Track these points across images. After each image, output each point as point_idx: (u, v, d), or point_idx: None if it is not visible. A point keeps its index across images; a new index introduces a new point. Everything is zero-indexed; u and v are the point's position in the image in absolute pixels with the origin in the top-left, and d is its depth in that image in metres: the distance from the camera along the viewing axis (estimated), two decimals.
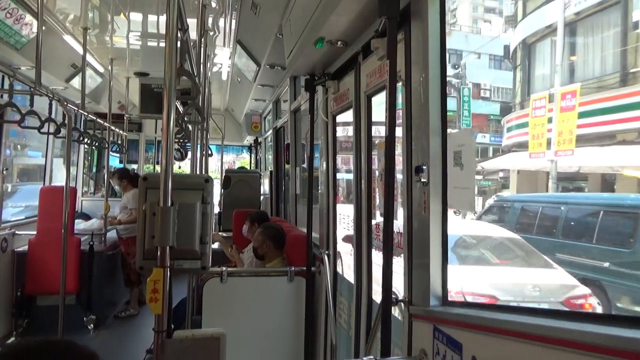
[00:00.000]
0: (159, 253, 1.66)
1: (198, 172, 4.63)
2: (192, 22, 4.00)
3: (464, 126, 18.67)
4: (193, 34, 3.89)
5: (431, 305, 1.90)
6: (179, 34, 2.67)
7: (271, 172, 7.14)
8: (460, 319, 1.71)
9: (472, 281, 5.33)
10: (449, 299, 1.93)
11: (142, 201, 1.80)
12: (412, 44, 2.10)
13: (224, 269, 3.63)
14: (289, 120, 5.37)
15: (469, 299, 5.13)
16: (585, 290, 5.82)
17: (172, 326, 1.76)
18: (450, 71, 19.06)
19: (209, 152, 6.88)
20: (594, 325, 1.27)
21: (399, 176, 2.25)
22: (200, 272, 2.41)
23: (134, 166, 9.55)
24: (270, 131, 7.31)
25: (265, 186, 7.75)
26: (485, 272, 5.80)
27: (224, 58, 6.33)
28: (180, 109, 3.14)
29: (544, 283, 5.78)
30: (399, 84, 2.20)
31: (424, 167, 1.93)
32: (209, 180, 1.85)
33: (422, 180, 1.94)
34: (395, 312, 2.21)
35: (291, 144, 5.35)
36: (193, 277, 3.38)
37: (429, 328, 1.87)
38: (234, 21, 4.87)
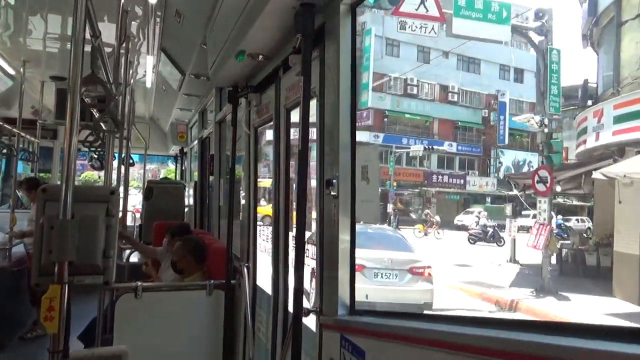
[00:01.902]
0: (56, 268, 1.59)
1: (115, 183, 4.45)
2: (112, 27, 3.88)
3: (551, 110, 13.31)
4: (112, 40, 3.76)
5: (339, 314, 1.96)
6: (91, 40, 2.58)
7: (196, 183, 6.99)
8: (364, 327, 1.77)
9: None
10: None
11: (40, 214, 1.71)
12: (325, 62, 2.18)
13: (139, 283, 3.49)
14: (214, 131, 5.31)
15: None
16: (426, 263, 9.31)
17: (69, 346, 1.68)
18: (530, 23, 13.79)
19: (130, 161, 6.63)
20: (492, 330, 1.36)
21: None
22: (104, 287, 2.32)
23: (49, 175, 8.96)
24: (196, 141, 7.17)
25: (190, 197, 7.56)
26: (363, 252, 8.75)
27: (148, 66, 6.15)
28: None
29: (396, 258, 9.13)
30: (314, 100, 2.27)
31: (334, 181, 2.00)
32: (114, 192, 1.80)
33: (332, 193, 2.00)
34: (312, 322, 2.25)
35: (215, 155, 5.28)
36: (104, 293, 3.22)
37: (337, 337, 1.92)
38: (157, 28, 4.76)
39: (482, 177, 43.33)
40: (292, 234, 2.84)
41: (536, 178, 12.45)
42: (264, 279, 3.39)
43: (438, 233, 27.56)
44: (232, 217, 3.67)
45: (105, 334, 3.53)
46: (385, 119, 39.07)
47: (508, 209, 18.59)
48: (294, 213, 2.35)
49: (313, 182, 2.33)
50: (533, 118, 13.58)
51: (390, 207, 34.21)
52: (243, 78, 3.49)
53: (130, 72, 5.65)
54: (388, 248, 9.59)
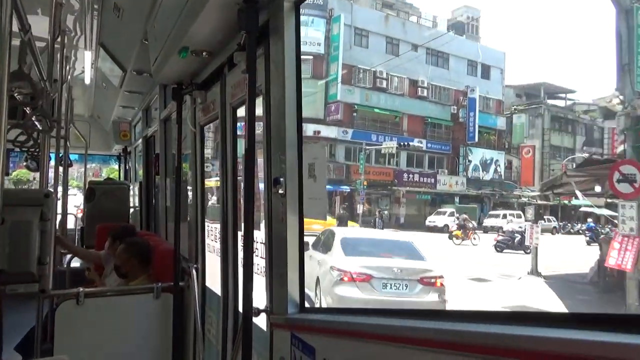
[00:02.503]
0: None
1: (52, 184, 4.23)
2: (45, 20, 3.67)
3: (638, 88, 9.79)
4: (46, 34, 3.56)
5: (289, 313, 1.96)
6: (20, 34, 2.43)
7: (141, 183, 6.76)
8: (314, 324, 1.78)
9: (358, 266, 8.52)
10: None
11: None
12: (271, 59, 2.16)
13: (81, 289, 3.33)
14: (159, 130, 5.15)
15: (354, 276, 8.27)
16: (438, 273, 8.71)
17: (2, 358, 1.58)
18: None
19: (69, 162, 6.32)
20: (435, 322, 1.41)
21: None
22: (41, 295, 2.20)
23: None
24: (141, 140, 6.92)
25: (135, 198, 7.31)
26: (370, 260, 8.70)
27: (86, 61, 5.87)
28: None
29: (406, 267, 8.62)
30: (260, 98, 2.25)
31: (281, 179, 1.99)
32: (49, 195, 1.70)
33: (280, 191, 1.99)
34: (263, 321, 2.24)
35: (161, 154, 5.12)
36: (43, 300, 3.05)
37: (287, 335, 1.92)
38: (95, 23, 4.55)
39: (451, 175, 41.49)
40: (241, 233, 2.81)
41: (616, 176, 9.38)
42: (214, 280, 3.33)
43: (474, 239, 25.74)
44: (179, 217, 3.57)
45: (45, 343, 3.36)
46: (355, 114, 36.96)
47: (530, 212, 16.86)
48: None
49: (261, 181, 2.31)
50: (617, 97, 10.81)
51: (359, 208, 33.00)
52: (187, 75, 3.40)
53: (67, 68, 5.36)
54: (397, 256, 9.05)
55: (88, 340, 3.33)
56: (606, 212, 19.00)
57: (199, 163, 3.46)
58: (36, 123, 3.81)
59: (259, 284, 2.22)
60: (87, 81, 6.62)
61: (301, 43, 2.11)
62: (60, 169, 5.49)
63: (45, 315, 3.50)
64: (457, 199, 41.37)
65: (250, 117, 1.99)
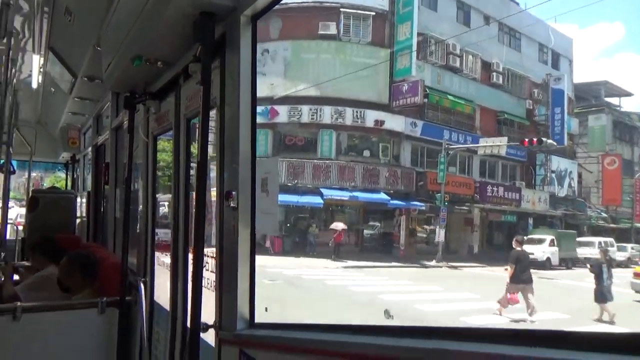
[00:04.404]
0: None
1: None
2: None
3: None
4: None
5: (238, 328, 1.93)
6: None
7: (89, 192, 6.51)
8: (263, 340, 1.77)
9: None
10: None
11: None
12: (226, 72, 2.16)
13: (18, 304, 3.15)
14: (110, 138, 4.99)
15: None
16: None
17: None
18: None
19: (11, 168, 6.02)
20: (383, 338, 1.42)
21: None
22: None
23: None
24: (90, 148, 6.68)
25: (82, 208, 7.01)
26: None
27: (34, 65, 5.64)
28: None
29: None
30: (214, 110, 2.23)
31: (234, 193, 1.97)
32: None
33: (232, 205, 1.98)
34: (212, 337, 2.19)
35: (111, 164, 4.96)
36: None
37: (236, 352, 1.89)
38: (45, 26, 4.39)
39: (531, 189, 31.19)
40: (191, 247, 2.76)
41: None
42: (163, 295, 3.24)
43: None
44: (128, 229, 3.46)
45: None
46: (425, 100, 25.94)
47: None
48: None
49: (213, 194, 2.28)
50: None
51: (439, 234, 24.02)
52: (141, 83, 3.33)
53: (13, 70, 5.14)
54: None
55: (25, 358, 3.15)
56: None
57: (151, 173, 3.38)
58: None
59: (210, 299, 2.18)
60: (35, 85, 6.34)
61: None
62: (1, 176, 5.22)
63: None
64: (530, 221, 31.09)
65: (204, 129, 1.97)
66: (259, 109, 21.26)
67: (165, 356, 2.96)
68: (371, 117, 25.02)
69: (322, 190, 24.17)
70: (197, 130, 2.03)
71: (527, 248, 15.32)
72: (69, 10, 3.65)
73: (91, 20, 3.56)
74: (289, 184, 23.58)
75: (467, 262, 24.72)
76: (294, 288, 14.09)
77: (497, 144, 25.05)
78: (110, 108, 4.95)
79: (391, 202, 25.05)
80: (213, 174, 2.25)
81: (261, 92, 23.68)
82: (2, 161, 4.71)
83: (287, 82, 25.04)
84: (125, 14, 2.77)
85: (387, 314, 8.57)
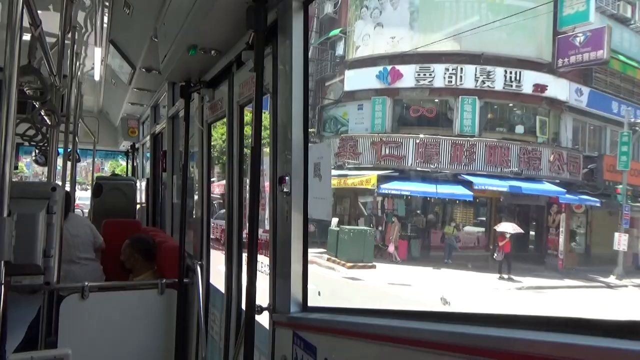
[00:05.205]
0: None
1: (60, 179, 4.26)
2: (56, 16, 3.70)
3: None
4: (57, 29, 3.59)
5: (292, 312, 1.96)
6: (30, 29, 2.46)
7: (148, 179, 6.80)
8: (316, 324, 1.78)
9: None
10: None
11: None
12: (278, 58, 2.17)
13: (86, 283, 3.36)
14: (167, 127, 5.18)
15: None
16: None
17: (5, 350, 1.59)
18: None
19: (77, 157, 6.37)
20: (434, 324, 1.41)
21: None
22: (46, 288, 2.22)
23: None
24: (148, 137, 6.96)
25: (141, 194, 7.34)
26: None
27: (96, 58, 5.91)
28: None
29: None
30: (267, 96, 2.25)
31: (287, 178, 1.99)
32: (55, 189, 1.72)
33: (285, 190, 2.00)
34: (266, 320, 2.24)
35: (168, 151, 5.15)
36: (46, 293, 3.08)
37: (290, 334, 1.92)
38: (105, 19, 4.58)
39: None
40: (245, 231, 2.82)
41: None
42: (218, 277, 3.35)
43: None
44: (185, 214, 3.59)
45: (49, 336, 3.38)
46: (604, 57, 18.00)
47: None
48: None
49: (267, 179, 2.31)
50: None
51: (620, 240, 16.19)
52: (196, 73, 3.42)
53: (77, 64, 5.41)
54: None
55: (92, 334, 3.36)
56: None
57: (206, 161, 3.47)
58: (45, 118, 3.84)
59: (263, 282, 2.22)
60: (97, 77, 6.67)
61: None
62: (69, 163, 5.53)
63: (48, 309, 3.52)
64: None
65: (257, 116, 1.99)
66: (376, 70, 19.57)
67: (220, 336, 3.06)
68: (529, 80, 18.39)
69: (469, 178, 17.90)
70: (251, 116, 2.05)
71: None
72: (128, 3, 3.79)
73: (148, 13, 3.67)
74: (419, 169, 18.59)
75: None
76: None
77: None
78: (167, 97, 5.12)
79: (565, 196, 18.11)
80: (267, 159, 2.29)
81: (378, 48, 19.84)
82: (69, 149, 4.98)
83: (415, 34, 19.11)
84: (181, 4, 2.84)
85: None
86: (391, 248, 17.68)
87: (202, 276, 3.36)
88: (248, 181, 2.65)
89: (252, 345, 1.90)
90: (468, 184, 17.93)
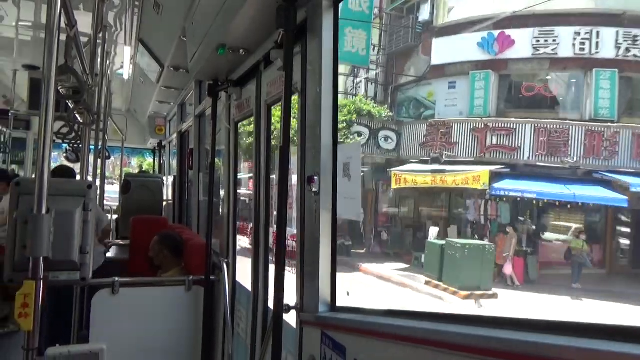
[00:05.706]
0: (31, 264, 1.55)
1: (91, 176, 4.36)
2: (88, 16, 3.79)
3: None
4: (88, 29, 3.68)
5: (320, 311, 1.96)
6: (66, 29, 2.52)
7: (175, 177, 6.90)
8: (345, 324, 1.78)
9: None
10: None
11: (14, 208, 1.66)
12: (307, 58, 2.17)
13: (116, 279, 3.43)
14: (194, 125, 5.24)
15: None
16: None
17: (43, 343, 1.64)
18: None
19: (107, 154, 6.51)
20: (466, 327, 1.39)
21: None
22: (81, 284, 2.27)
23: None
24: (175, 135, 7.07)
25: (168, 192, 7.46)
26: None
27: (125, 57, 6.03)
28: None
29: None
30: (296, 95, 2.25)
31: (316, 177, 1.99)
32: (91, 186, 1.76)
33: (314, 189, 2.00)
34: (293, 318, 2.25)
35: (195, 149, 5.21)
36: (78, 289, 3.15)
37: (318, 334, 1.92)
38: (135, 19, 4.66)
39: None
40: (272, 229, 2.83)
41: None
42: (245, 275, 3.37)
43: None
44: (211, 212, 3.63)
45: (81, 330, 3.47)
46: None
47: None
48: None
49: (294, 178, 2.31)
50: None
51: None
52: (223, 72, 3.44)
53: (107, 63, 5.52)
54: None
55: (122, 329, 3.43)
56: None
57: (232, 159, 3.50)
58: (77, 116, 3.94)
59: (288, 281, 2.23)
60: (126, 76, 6.80)
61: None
62: (99, 161, 5.66)
63: (80, 304, 3.61)
64: None
65: (286, 115, 2.00)
66: (477, 37, 14.72)
67: (247, 334, 3.09)
68: None
69: (624, 179, 13.48)
70: (281, 115, 2.06)
71: None
72: (158, 3, 3.84)
73: (177, 12, 3.72)
74: (540, 164, 14.48)
75: None
76: None
77: None
78: (194, 96, 5.18)
79: None
80: (294, 158, 2.29)
81: (480, 8, 15.53)
82: (99, 147, 5.11)
83: None
84: (210, 3, 2.87)
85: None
86: (508, 268, 13.39)
87: (228, 274, 3.39)
88: (276, 180, 2.67)
89: (280, 343, 1.91)
90: (607, 184, 13.81)
